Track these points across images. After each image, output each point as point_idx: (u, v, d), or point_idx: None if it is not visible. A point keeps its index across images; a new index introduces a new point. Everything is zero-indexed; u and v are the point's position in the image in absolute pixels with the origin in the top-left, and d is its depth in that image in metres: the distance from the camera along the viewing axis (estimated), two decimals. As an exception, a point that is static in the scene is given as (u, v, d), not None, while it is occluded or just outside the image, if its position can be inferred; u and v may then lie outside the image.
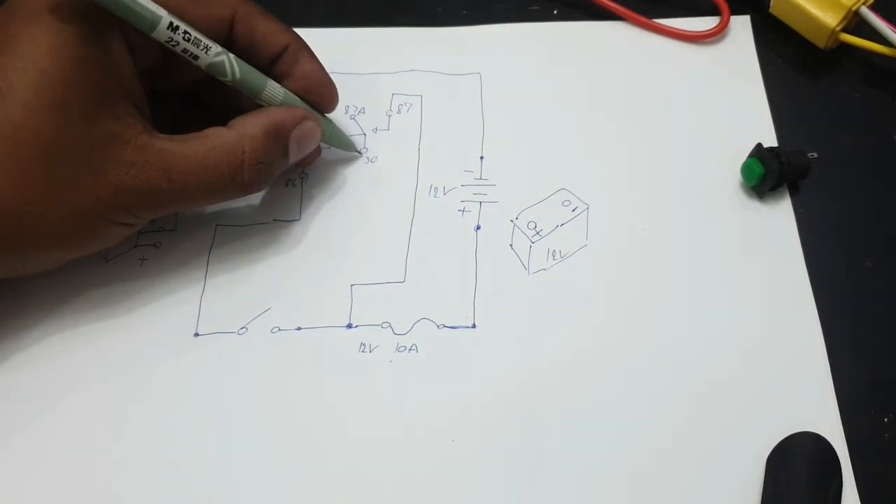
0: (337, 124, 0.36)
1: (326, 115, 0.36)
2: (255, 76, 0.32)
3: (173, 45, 0.29)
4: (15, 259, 0.29)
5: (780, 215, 0.35)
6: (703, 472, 0.30)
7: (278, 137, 0.31)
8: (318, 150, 0.36)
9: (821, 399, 0.31)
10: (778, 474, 0.29)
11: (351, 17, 0.42)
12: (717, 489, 0.29)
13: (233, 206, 0.36)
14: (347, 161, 0.37)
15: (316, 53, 0.34)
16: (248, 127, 0.31)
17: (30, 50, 0.27)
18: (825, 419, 0.30)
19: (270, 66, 0.33)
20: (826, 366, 0.31)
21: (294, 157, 0.33)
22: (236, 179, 0.30)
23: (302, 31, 0.34)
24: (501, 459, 0.30)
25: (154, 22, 0.28)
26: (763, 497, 0.29)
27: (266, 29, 0.32)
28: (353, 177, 0.37)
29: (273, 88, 0.32)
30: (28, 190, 0.27)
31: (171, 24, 0.29)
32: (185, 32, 0.29)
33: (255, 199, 0.36)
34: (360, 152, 0.37)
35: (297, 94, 0.33)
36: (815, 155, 0.35)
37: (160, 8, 0.29)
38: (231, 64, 0.31)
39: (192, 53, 0.30)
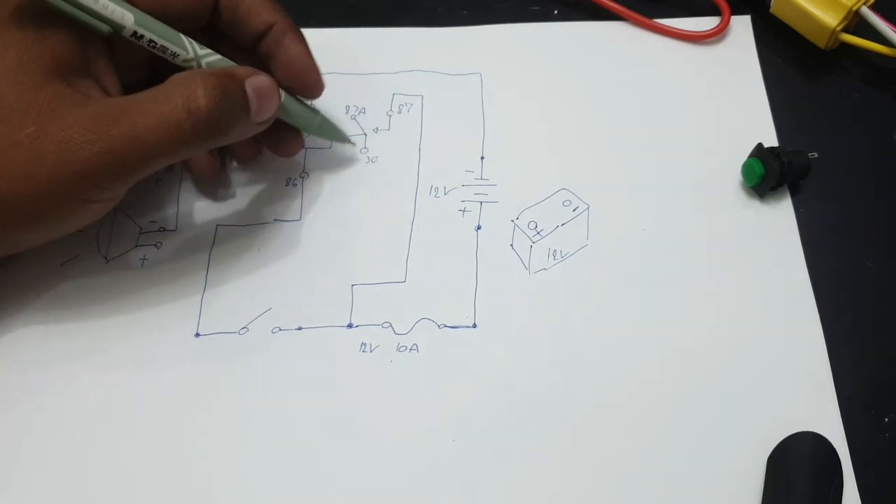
0: (327, 116, 0.36)
1: (314, 105, 0.35)
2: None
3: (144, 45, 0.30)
4: None
5: (781, 215, 0.35)
6: (703, 472, 0.30)
7: (232, 80, 0.30)
8: (300, 143, 0.35)
9: (821, 399, 0.31)
10: (778, 474, 0.29)
11: (351, 17, 0.42)
12: (718, 489, 0.29)
13: (233, 206, 0.36)
14: (348, 161, 0.37)
15: (316, 53, 0.34)
16: (201, 71, 0.31)
17: None
18: (825, 419, 0.30)
19: (255, 45, 0.33)
20: (826, 366, 0.31)
21: (255, 110, 0.31)
22: (191, 107, 0.28)
23: (303, 32, 0.34)
24: (501, 459, 0.30)
25: (115, 31, 0.29)
26: (763, 497, 0.29)
27: (251, 4, 0.32)
28: (354, 177, 0.37)
29: None
30: None
31: (134, 32, 0.29)
32: (151, 41, 0.30)
33: (256, 199, 0.36)
34: (352, 143, 0.37)
35: (281, 83, 0.33)
36: (815, 155, 0.35)
37: (127, 15, 0.29)
38: (201, 68, 0.31)
39: (160, 55, 0.30)
